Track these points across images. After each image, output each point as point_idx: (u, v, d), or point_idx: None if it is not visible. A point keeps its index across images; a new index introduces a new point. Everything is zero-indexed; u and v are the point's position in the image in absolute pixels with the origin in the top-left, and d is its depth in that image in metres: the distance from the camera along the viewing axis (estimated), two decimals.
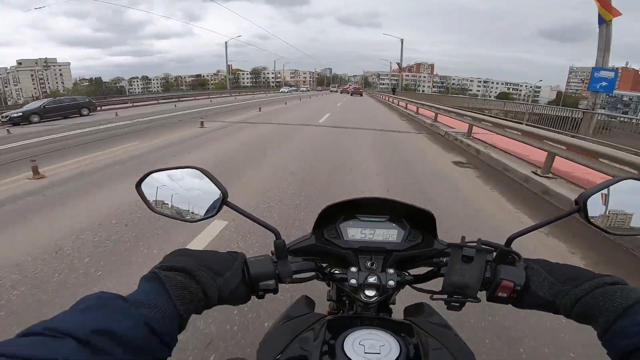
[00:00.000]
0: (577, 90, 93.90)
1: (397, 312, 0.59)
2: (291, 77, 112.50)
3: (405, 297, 0.59)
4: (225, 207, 0.45)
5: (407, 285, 0.52)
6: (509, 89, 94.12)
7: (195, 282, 0.36)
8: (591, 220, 0.43)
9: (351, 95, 37.95)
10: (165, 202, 0.47)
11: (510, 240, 0.45)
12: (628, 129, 7.35)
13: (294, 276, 0.48)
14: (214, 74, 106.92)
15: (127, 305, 0.30)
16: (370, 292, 0.48)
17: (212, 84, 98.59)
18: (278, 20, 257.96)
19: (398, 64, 34.13)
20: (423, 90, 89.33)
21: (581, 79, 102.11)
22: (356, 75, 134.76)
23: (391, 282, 0.48)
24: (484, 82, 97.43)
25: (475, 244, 0.45)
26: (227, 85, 39.55)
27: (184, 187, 0.47)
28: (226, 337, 1.42)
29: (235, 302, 0.43)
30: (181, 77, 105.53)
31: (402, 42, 31.26)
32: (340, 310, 0.62)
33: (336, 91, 48.95)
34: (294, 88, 63.00)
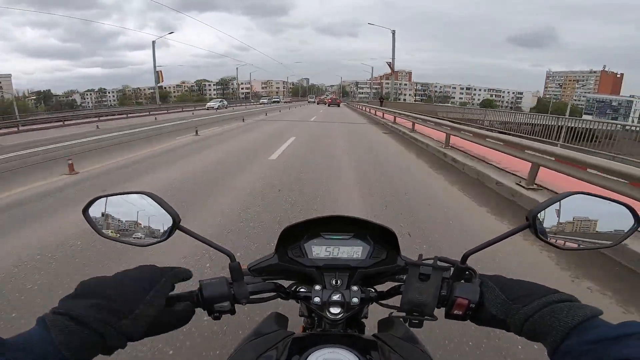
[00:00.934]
0: (555, 95, 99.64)
1: (371, 325, 0.65)
2: (263, 88, 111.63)
3: (381, 310, 0.61)
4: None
5: (373, 302, 0.56)
6: (491, 95, 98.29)
7: (87, 329, 0.36)
8: (540, 236, 0.47)
9: (328, 106, 38.85)
10: (114, 227, 0.51)
11: (465, 257, 0.48)
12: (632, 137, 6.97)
13: (253, 297, 0.53)
14: (177, 85, 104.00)
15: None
16: (335, 310, 0.52)
17: (175, 96, 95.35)
18: (256, 31, 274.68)
19: (389, 63, 31.09)
20: (404, 99, 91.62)
21: (559, 84, 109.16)
22: (333, 85, 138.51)
23: (355, 300, 0.53)
24: (467, 88, 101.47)
25: (432, 260, 0.50)
26: (157, 99, 36.04)
27: (133, 211, 0.50)
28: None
29: (163, 331, 0.44)
30: (139, 89, 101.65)
31: (393, 33, 28.61)
32: (313, 325, 0.65)
33: (314, 102, 49.66)
34: (274, 99, 62.14)
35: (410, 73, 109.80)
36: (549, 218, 0.47)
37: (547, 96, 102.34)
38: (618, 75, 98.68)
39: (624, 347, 0.31)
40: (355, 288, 0.54)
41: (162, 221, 0.49)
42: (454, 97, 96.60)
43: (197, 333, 1.59)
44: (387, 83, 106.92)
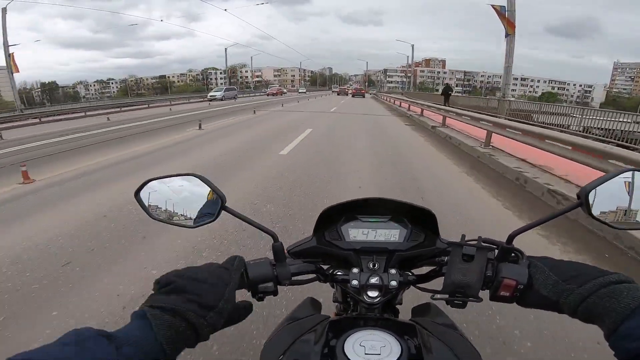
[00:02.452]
0: (625, 89, 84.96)
1: (405, 312, 0.66)
2: (275, 76, 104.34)
3: (413, 297, 0.65)
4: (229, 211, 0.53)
5: (411, 286, 0.59)
6: (553, 88, 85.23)
7: (185, 321, 0.40)
8: (594, 214, 0.47)
9: (352, 96, 37.52)
10: (164, 208, 0.55)
11: (511, 238, 0.50)
12: None
13: (293, 278, 0.55)
14: (180, 74, 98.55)
15: (108, 343, 0.34)
16: (372, 293, 0.54)
17: (177, 86, 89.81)
18: (278, 19, 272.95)
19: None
20: (438, 90, 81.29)
21: (630, 77, 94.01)
22: (357, 75, 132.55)
23: (393, 283, 0.54)
24: (521, 79, 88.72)
25: (475, 242, 0.50)
26: (128, 93, 31.40)
27: (182, 193, 0.54)
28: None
29: (235, 322, 0.48)
30: (141, 79, 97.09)
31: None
32: (347, 311, 0.67)
33: (345, 92, 45.89)
34: (300, 89, 58.29)
35: (444, 61, 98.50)
36: (602, 196, 0.47)
37: (615, 90, 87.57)
38: None
39: None
40: (393, 271, 0.55)
41: (208, 202, 0.53)
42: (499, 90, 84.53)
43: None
44: (422, 72, 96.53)
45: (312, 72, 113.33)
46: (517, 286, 0.46)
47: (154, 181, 0.54)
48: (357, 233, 0.60)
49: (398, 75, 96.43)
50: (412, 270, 0.61)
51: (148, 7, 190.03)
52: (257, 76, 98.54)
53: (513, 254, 0.50)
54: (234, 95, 31.33)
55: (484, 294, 0.49)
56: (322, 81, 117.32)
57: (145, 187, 0.54)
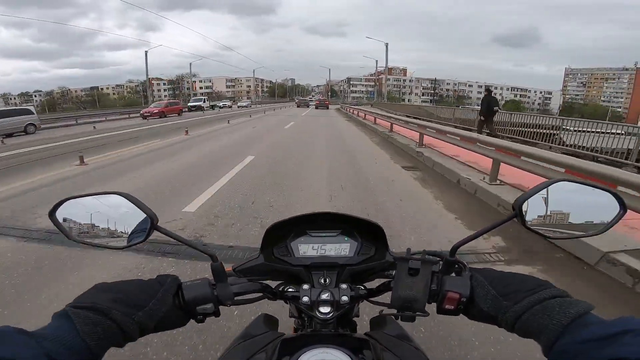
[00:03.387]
0: (577, 95, 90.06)
1: (363, 323, 0.70)
2: (228, 87, 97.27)
3: (371, 308, 0.65)
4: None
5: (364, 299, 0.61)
6: (515, 95, 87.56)
7: (109, 319, 0.41)
8: (528, 225, 0.50)
9: (316, 107, 36.52)
10: (86, 230, 0.52)
11: (454, 249, 0.52)
12: None
13: (238, 298, 0.55)
14: (116, 85, 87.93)
15: (28, 338, 0.35)
16: (324, 309, 0.55)
17: (114, 98, 79.39)
18: (242, 30, 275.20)
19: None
20: (409, 100, 79.61)
21: (582, 82, 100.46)
22: (320, 86, 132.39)
23: (345, 298, 0.55)
24: (486, 86, 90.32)
25: (420, 255, 0.53)
26: None
27: (107, 213, 0.52)
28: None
29: (169, 328, 0.49)
30: (69, 91, 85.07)
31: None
32: (303, 326, 0.68)
33: (306, 104, 43.83)
34: (243, 102, 50.60)
35: (405, 70, 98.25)
36: (535, 207, 0.49)
37: (568, 97, 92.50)
38: None
39: (620, 346, 0.33)
40: (344, 286, 0.57)
41: (137, 222, 0.51)
42: (470, 97, 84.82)
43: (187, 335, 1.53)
44: (388, 80, 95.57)
45: (270, 82, 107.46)
46: (460, 299, 0.48)
47: (71, 200, 0.52)
48: (307, 248, 0.62)
49: (362, 84, 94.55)
50: (364, 284, 0.62)
51: (99, 15, 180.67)
52: (208, 87, 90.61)
53: (456, 266, 0.52)
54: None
55: (431, 307, 0.51)
56: (282, 92, 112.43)
57: (61, 207, 0.51)
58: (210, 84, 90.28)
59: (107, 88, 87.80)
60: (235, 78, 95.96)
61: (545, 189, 0.49)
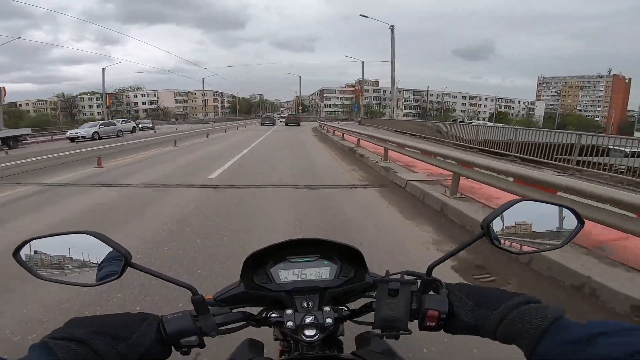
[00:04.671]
0: (552, 105, 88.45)
1: (349, 342, 0.72)
2: (178, 102, 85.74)
3: (355, 326, 0.68)
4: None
5: (348, 320, 0.64)
6: (500, 106, 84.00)
7: (91, 350, 0.42)
8: (495, 243, 0.55)
9: (286, 124, 34.05)
10: (54, 267, 0.53)
11: (430, 269, 0.57)
12: None
13: (222, 327, 0.57)
14: (37, 100, 73.89)
15: None
16: (309, 332, 0.57)
17: (32, 116, 65.57)
18: (208, 45, 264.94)
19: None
20: (389, 115, 73.24)
21: (556, 92, 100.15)
22: (289, 101, 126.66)
23: (329, 320, 0.58)
24: (470, 98, 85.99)
25: (399, 276, 0.56)
26: None
27: (77, 251, 0.53)
28: None
29: (159, 359, 0.51)
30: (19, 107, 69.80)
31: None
32: (291, 348, 0.71)
33: (271, 121, 38.70)
34: (145, 123, 36.90)
35: (377, 82, 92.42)
36: (501, 225, 0.55)
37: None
38: (627, 81, 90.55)
39: (596, 347, 0.37)
40: (327, 308, 0.60)
41: (110, 260, 0.52)
42: (454, 110, 79.83)
43: None
44: (366, 91, 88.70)
45: (232, 96, 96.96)
46: (440, 315, 0.52)
47: (36, 240, 0.52)
48: (288, 274, 0.64)
49: (337, 97, 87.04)
50: (347, 305, 0.66)
51: (55, 27, 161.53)
52: (152, 102, 78.76)
53: (434, 284, 0.56)
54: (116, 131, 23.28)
55: (413, 324, 0.55)
56: (246, 108, 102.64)
57: (27, 246, 0.51)
58: (156, 99, 78.52)
59: (27, 103, 73.11)
60: (188, 91, 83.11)
61: (510, 208, 0.54)
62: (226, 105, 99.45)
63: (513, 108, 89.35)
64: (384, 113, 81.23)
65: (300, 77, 51.95)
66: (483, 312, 0.49)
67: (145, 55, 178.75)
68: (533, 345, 0.42)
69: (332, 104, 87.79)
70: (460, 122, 30.35)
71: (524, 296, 0.48)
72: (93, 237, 0.51)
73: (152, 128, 34.31)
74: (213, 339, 0.56)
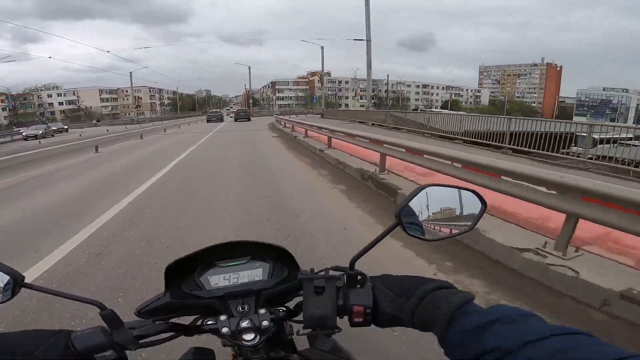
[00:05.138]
0: (492, 92, 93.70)
1: (302, 340, 0.71)
2: (105, 100, 75.04)
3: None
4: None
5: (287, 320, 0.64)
6: (452, 95, 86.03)
7: None
8: (409, 232, 0.55)
9: (235, 120, 31.82)
10: None
11: (352, 263, 0.56)
12: None
13: (144, 340, 0.55)
14: None
15: None
16: (248, 336, 0.56)
17: None
18: (149, 41, 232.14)
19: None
20: (346, 105, 70.99)
21: (495, 79, 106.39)
22: (238, 96, 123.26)
23: (265, 322, 0.57)
24: (423, 86, 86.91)
25: (323, 272, 0.56)
26: None
27: None
28: None
29: None
30: None
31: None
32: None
33: (218, 118, 35.08)
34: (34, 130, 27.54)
35: (329, 73, 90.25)
36: (412, 213, 0.56)
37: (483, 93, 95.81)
38: (558, 69, 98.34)
39: (492, 335, 0.38)
40: (262, 311, 0.58)
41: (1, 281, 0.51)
42: (409, 99, 79.99)
43: None
44: (326, 85, 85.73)
45: (173, 92, 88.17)
46: (366, 310, 0.52)
47: None
48: (219, 279, 0.62)
49: (290, 89, 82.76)
50: (286, 305, 0.64)
51: None
52: (71, 102, 68.21)
53: (359, 278, 0.55)
54: None
55: (344, 321, 0.54)
56: (190, 105, 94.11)
57: None
58: (76, 98, 68.09)
59: None
60: (118, 89, 72.77)
61: (418, 195, 0.55)
62: (166, 102, 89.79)
63: (462, 96, 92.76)
64: (340, 104, 79.48)
65: (249, 67, 47.05)
66: (401, 301, 0.49)
67: (75, 53, 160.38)
68: (444, 332, 0.43)
69: (286, 97, 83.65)
70: (421, 110, 28.65)
71: (435, 282, 0.49)
72: None
73: (66, 130, 28.24)
74: (148, 352, 0.54)
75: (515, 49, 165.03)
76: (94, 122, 43.04)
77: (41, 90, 70.62)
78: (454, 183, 0.77)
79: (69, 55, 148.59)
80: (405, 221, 0.54)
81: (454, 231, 0.58)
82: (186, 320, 0.62)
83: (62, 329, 0.51)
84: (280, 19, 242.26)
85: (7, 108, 58.27)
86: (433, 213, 0.57)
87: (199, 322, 0.61)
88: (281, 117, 23.23)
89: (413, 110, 27.96)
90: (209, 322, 0.59)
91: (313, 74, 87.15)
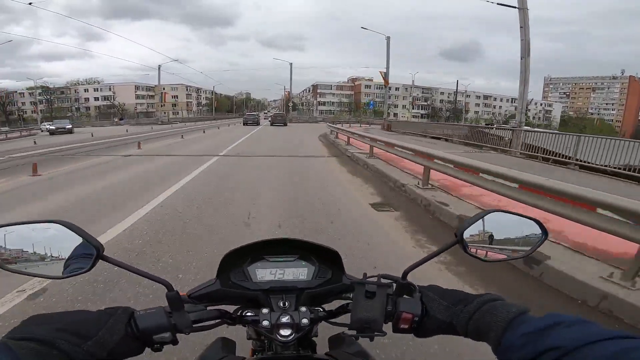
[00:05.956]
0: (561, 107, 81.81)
1: (323, 342, 0.72)
2: (142, 97, 73.69)
3: (328, 327, 0.67)
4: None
5: (323, 321, 0.65)
6: (516, 108, 75.83)
7: (56, 350, 0.40)
8: (467, 251, 0.58)
9: (272, 124, 31.75)
10: (19, 258, 0.51)
11: (405, 273, 0.59)
12: None
13: (197, 325, 0.57)
14: None
15: None
16: (285, 332, 0.58)
17: None
18: (195, 43, 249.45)
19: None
20: (395, 115, 64.33)
21: (564, 93, 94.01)
22: (276, 100, 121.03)
23: (305, 320, 0.59)
24: (484, 97, 77.97)
25: (375, 279, 0.59)
26: None
27: (45, 241, 0.51)
28: None
29: (124, 357, 0.49)
30: None
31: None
32: (263, 348, 0.72)
33: (254, 121, 33.28)
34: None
35: (371, 79, 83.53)
36: (473, 234, 0.59)
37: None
38: None
39: (549, 337, 0.40)
40: (303, 309, 0.60)
41: (81, 251, 0.51)
42: (468, 110, 71.20)
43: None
44: (368, 86, 78.52)
45: (212, 92, 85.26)
46: (413, 318, 0.55)
47: (4, 228, 0.50)
48: (265, 273, 0.64)
49: (333, 94, 76.92)
50: (322, 306, 0.66)
51: (35, 22, 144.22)
52: (106, 98, 67.49)
53: (408, 288, 0.58)
54: None
55: (387, 326, 0.57)
56: (228, 106, 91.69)
57: None
58: (112, 94, 66.93)
59: None
60: (155, 86, 65.65)
61: (482, 219, 0.58)
62: (203, 102, 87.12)
63: (530, 110, 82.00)
64: (389, 113, 72.10)
65: (291, 63, 41.43)
66: (456, 309, 0.52)
67: (130, 52, 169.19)
68: (499, 339, 0.44)
69: (328, 102, 77.43)
70: (496, 127, 21.65)
71: (492, 295, 0.52)
72: (64, 227, 0.50)
73: (71, 131, 24.69)
74: (184, 337, 0.55)
75: (565, 60, 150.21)
76: (115, 120, 39.92)
77: (76, 85, 70.46)
78: None
79: (128, 54, 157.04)
80: (465, 240, 0.57)
81: (510, 255, 0.61)
82: (228, 309, 0.63)
83: (120, 306, 0.51)
84: (319, 26, 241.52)
85: (42, 102, 57.83)
86: (492, 236, 0.59)
87: (240, 313, 0.63)
88: (339, 127, 17.22)
89: (487, 125, 21.57)
90: (249, 314, 0.61)
91: (354, 79, 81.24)
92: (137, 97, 70.67)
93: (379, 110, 65.30)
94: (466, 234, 0.57)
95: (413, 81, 52.32)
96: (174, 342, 0.53)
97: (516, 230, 0.61)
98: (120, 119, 40.54)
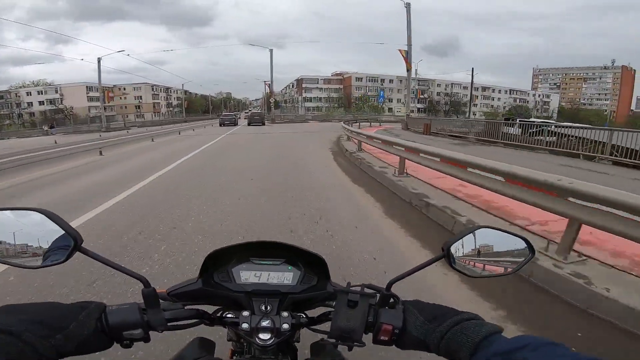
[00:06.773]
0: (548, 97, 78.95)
1: (306, 348, 0.71)
2: (94, 99, 62.85)
3: (312, 333, 0.67)
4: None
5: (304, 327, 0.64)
6: (515, 100, 72.33)
7: (22, 342, 0.40)
8: (454, 266, 0.59)
9: (249, 124, 30.88)
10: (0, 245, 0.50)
11: (390, 285, 0.58)
12: None
13: (172, 324, 0.57)
14: None
15: None
16: (264, 336, 0.57)
17: None
18: (174, 43, 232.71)
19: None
20: (389, 109, 58.89)
21: (554, 84, 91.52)
22: (258, 99, 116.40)
23: (285, 325, 0.59)
24: (482, 89, 73.82)
25: (359, 288, 0.58)
26: None
27: (23, 230, 0.51)
28: None
29: (92, 351, 0.49)
30: None
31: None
32: (243, 350, 0.70)
33: (232, 121, 31.74)
34: None
35: (350, 77, 77.76)
36: (460, 249, 0.59)
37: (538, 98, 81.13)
38: (633, 72, 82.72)
39: (518, 359, 0.41)
40: (285, 314, 0.60)
41: (58, 242, 0.50)
42: (466, 104, 66.45)
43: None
44: (360, 79, 71.58)
45: (185, 92, 77.14)
46: (393, 330, 0.54)
47: None
48: (249, 275, 0.63)
49: (319, 89, 70.14)
50: (305, 312, 0.66)
51: None
52: (52, 101, 57.42)
53: (392, 299, 0.57)
54: None
55: (367, 337, 0.57)
56: (203, 106, 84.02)
57: None
58: (59, 96, 57.50)
59: None
60: (114, 86, 59.68)
61: (470, 234, 0.58)
62: (174, 103, 78.35)
63: (528, 102, 78.21)
64: (383, 108, 66.33)
65: (271, 50, 34.76)
66: (431, 327, 0.52)
67: (105, 55, 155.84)
68: (469, 359, 0.45)
69: (314, 97, 70.03)
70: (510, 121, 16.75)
71: (467, 314, 0.52)
72: (44, 216, 0.49)
73: None
74: (161, 335, 0.54)
75: (542, 54, 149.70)
76: (45, 128, 32.43)
77: (18, 88, 60.57)
78: None
79: (100, 56, 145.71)
80: (452, 255, 0.57)
81: (495, 272, 0.61)
82: (207, 310, 0.63)
83: (93, 300, 0.51)
84: (302, 24, 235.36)
85: None
86: (479, 252, 0.59)
87: (220, 314, 0.63)
88: (355, 130, 10.83)
89: (506, 120, 17.01)
90: (229, 315, 0.61)
91: (338, 74, 74.80)
92: (91, 99, 59.66)
93: (373, 105, 59.80)
94: (453, 249, 0.57)
95: (416, 70, 46.46)
96: (146, 339, 0.53)
97: (503, 247, 0.61)
98: (51, 127, 32.86)
